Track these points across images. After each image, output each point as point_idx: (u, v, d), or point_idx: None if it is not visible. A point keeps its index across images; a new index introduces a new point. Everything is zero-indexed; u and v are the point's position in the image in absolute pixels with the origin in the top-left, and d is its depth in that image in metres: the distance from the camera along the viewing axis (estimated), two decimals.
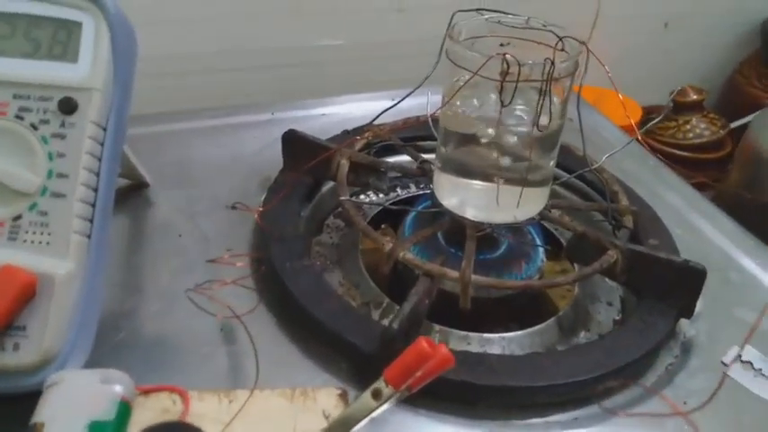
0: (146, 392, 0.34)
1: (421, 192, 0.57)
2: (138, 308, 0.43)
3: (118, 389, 0.32)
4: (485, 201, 0.45)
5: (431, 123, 0.53)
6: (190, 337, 0.42)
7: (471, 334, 0.44)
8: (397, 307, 0.45)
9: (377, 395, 0.31)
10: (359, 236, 0.51)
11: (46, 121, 0.37)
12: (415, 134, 0.55)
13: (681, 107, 0.83)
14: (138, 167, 0.52)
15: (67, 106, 0.37)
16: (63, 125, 0.37)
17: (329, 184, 0.55)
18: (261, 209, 0.48)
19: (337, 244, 0.52)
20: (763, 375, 0.42)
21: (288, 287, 0.43)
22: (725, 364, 0.43)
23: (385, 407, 0.31)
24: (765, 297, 0.48)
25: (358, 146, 0.51)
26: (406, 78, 0.58)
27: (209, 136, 0.60)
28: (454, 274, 0.41)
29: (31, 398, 0.35)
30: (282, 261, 0.44)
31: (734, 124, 0.82)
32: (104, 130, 0.39)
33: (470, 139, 0.44)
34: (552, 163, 0.45)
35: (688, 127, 0.81)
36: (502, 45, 0.45)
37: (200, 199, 0.53)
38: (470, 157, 0.44)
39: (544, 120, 0.41)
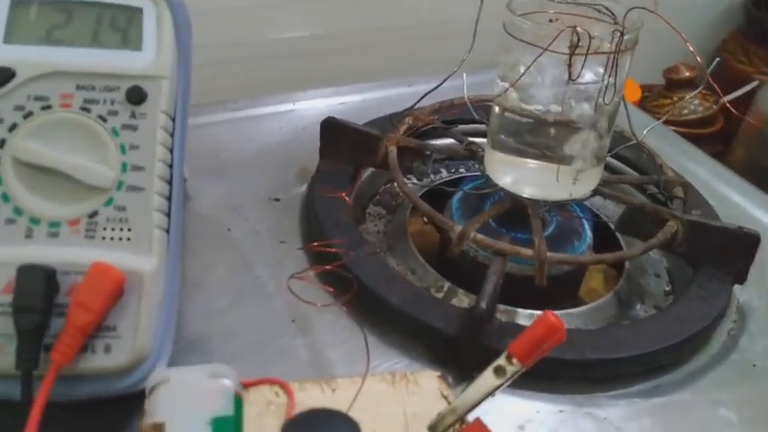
0: (246, 386, 0.33)
1: (457, 176, 0.57)
2: (202, 303, 0.42)
3: (228, 383, 0.31)
4: (542, 179, 0.46)
5: (470, 105, 0.53)
6: (261, 331, 0.41)
7: (536, 312, 0.45)
8: (460, 290, 0.46)
9: (500, 372, 0.31)
10: (406, 221, 0.51)
11: (114, 113, 0.36)
12: (453, 117, 0.55)
13: (674, 84, 0.85)
14: None
15: (137, 96, 0.36)
16: (133, 116, 0.36)
17: (367, 172, 0.54)
18: (344, 195, 0.47)
19: (384, 231, 0.52)
20: None
21: (359, 277, 0.42)
22: None
23: (506, 385, 0.31)
24: None
25: (401, 130, 0.51)
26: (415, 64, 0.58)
27: (235, 128, 0.58)
28: (528, 251, 0.41)
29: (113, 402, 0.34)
30: (347, 252, 0.43)
31: (725, 99, 0.84)
32: (173, 119, 0.37)
33: (529, 117, 0.44)
34: (608, 140, 0.45)
35: (683, 103, 0.84)
36: (551, 21, 0.45)
37: (239, 192, 0.51)
38: (528, 136, 0.45)
39: (609, 94, 0.41)
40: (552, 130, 0.44)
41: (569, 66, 0.40)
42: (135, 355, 0.33)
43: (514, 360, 0.30)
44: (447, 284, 0.46)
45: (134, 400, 0.33)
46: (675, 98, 0.83)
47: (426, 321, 0.40)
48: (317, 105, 0.63)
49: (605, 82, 0.40)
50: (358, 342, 0.40)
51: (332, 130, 0.51)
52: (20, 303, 0.31)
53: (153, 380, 0.31)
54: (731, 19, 0.94)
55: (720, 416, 0.39)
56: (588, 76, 0.41)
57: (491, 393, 0.31)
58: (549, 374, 0.39)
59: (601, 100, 0.41)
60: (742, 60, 0.86)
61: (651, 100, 0.84)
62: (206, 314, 0.41)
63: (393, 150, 0.49)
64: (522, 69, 0.42)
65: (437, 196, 0.53)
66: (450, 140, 0.54)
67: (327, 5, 0.74)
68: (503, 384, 0.31)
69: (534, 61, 0.40)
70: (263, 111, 0.61)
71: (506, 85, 0.44)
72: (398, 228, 0.51)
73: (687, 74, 0.84)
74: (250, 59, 0.72)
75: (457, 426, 0.31)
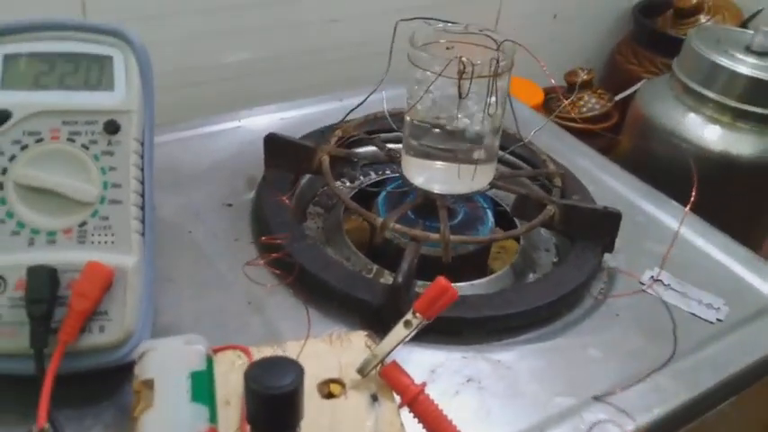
0: (215, 351, 0.42)
1: (383, 177, 0.67)
2: (172, 295, 0.51)
3: (201, 347, 0.40)
4: (447, 177, 0.56)
5: (389, 118, 0.63)
6: (223, 313, 0.50)
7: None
8: (386, 271, 0.56)
9: (408, 325, 0.41)
10: (341, 218, 0.61)
11: (94, 142, 0.45)
12: (373, 128, 0.65)
13: (573, 86, 0.97)
14: None
15: (112, 127, 0.45)
16: (110, 143, 0.45)
17: (305, 178, 0.64)
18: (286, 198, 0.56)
19: (322, 227, 0.62)
20: (672, 289, 0.55)
21: (302, 263, 0.51)
22: (642, 284, 0.56)
23: (412, 334, 0.41)
24: (666, 232, 0.61)
25: (332, 142, 0.60)
26: (339, 81, 0.67)
27: (188, 145, 0.67)
28: (436, 236, 0.52)
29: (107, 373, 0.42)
30: (291, 243, 0.53)
31: (618, 97, 0.97)
32: (142, 144, 0.46)
33: (433, 127, 0.54)
34: (497, 142, 0.56)
35: (581, 102, 0.96)
36: (448, 48, 0.56)
37: (197, 200, 0.60)
38: (434, 142, 0.55)
39: (492, 107, 0.52)
40: (452, 137, 0.54)
41: (459, 86, 0.50)
42: (124, 333, 0.42)
43: (418, 314, 0.40)
44: (375, 267, 0.56)
45: (124, 371, 0.42)
46: (575, 98, 0.95)
47: (357, 296, 0.50)
48: (260, 122, 0.72)
49: (488, 99, 0.51)
50: (303, 316, 0.50)
51: (274, 143, 0.60)
52: (31, 296, 0.40)
53: (141, 349, 0.40)
54: (623, 26, 1.07)
55: (589, 354, 0.50)
56: (474, 94, 0.52)
57: (402, 341, 0.41)
58: (454, 330, 0.50)
59: (484, 113, 0.51)
60: (632, 62, 0.99)
61: (555, 101, 0.96)
62: (176, 303, 0.50)
63: (326, 159, 0.59)
64: (424, 89, 0.53)
65: (368, 195, 0.63)
66: (373, 148, 0.64)
67: (266, 31, 0.83)
68: (410, 333, 0.41)
69: (431, 84, 0.50)
70: (213, 128, 0.70)
71: (412, 102, 0.54)
72: (334, 224, 0.61)
73: (584, 76, 0.96)
74: (199, 83, 0.80)
75: (378, 367, 0.41)
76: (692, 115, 0.77)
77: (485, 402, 0.45)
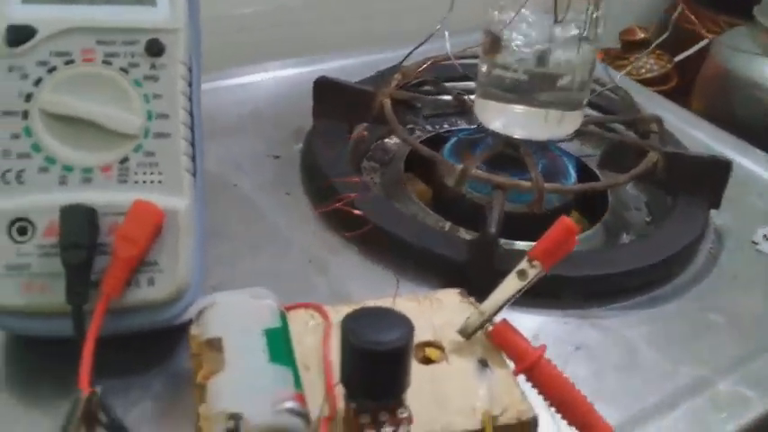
0: (287, 309, 0.35)
1: (443, 131, 0.60)
2: (222, 251, 0.44)
3: (272, 302, 0.33)
4: (530, 121, 0.49)
5: (454, 61, 0.56)
6: (280, 273, 0.43)
7: (533, 243, 0.48)
8: (461, 228, 0.48)
9: (522, 275, 0.33)
10: (401, 172, 0.54)
11: (135, 65, 0.37)
12: (439, 74, 0.57)
13: (630, 46, 0.89)
14: None
15: (156, 48, 0.37)
16: (153, 67, 0.37)
17: (358, 129, 0.57)
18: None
19: (380, 183, 0.54)
20: None
21: (370, 217, 0.44)
22: (755, 243, 0.49)
23: (527, 287, 0.34)
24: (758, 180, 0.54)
25: (392, 85, 0.53)
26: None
27: (225, 95, 0.60)
28: (527, 183, 0.44)
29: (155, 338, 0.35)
30: (357, 196, 0.46)
31: (678, 58, 0.89)
32: (190, 70, 0.39)
33: (516, 67, 0.47)
34: (591, 79, 0.49)
35: (640, 63, 0.88)
36: None
37: (239, 152, 0.53)
38: (516, 83, 0.48)
39: (592, 31, 0.44)
40: (538, 78, 0.47)
41: (555, 6, 0.43)
42: (177, 288, 0.35)
43: (535, 262, 0.33)
44: (448, 224, 0.49)
45: (175, 333, 0.35)
46: (632, 58, 0.87)
47: (438, 251, 0.43)
48: (303, 72, 0.65)
49: (588, 19, 0.44)
50: (373, 276, 0.43)
51: (325, 88, 0.53)
52: (66, 241, 0.33)
53: (200, 304, 0.33)
54: None
55: (711, 320, 0.43)
56: (571, 18, 0.44)
57: (515, 295, 0.34)
58: (553, 292, 0.43)
59: (579, 43, 0.44)
60: (691, 21, 0.92)
61: (609, 62, 0.88)
62: (227, 262, 0.43)
63: (387, 103, 0.51)
64: (510, 16, 0.45)
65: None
66: (438, 96, 0.57)
67: None
68: (525, 286, 0.34)
69: (522, 6, 0.43)
70: (251, 78, 0.63)
71: (499, 27, 0.47)
72: (394, 178, 0.54)
73: (641, 35, 0.89)
74: (241, 29, 0.73)
75: (485, 328, 0.34)
76: None
77: (601, 374, 0.38)
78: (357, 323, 0.28)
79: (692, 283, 0.45)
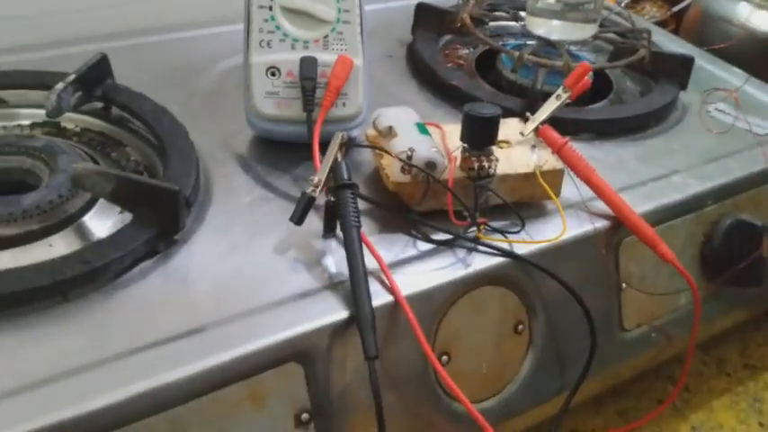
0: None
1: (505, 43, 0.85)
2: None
3: (413, 111, 0.59)
4: (562, 29, 0.74)
5: None
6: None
7: None
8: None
9: (558, 97, 0.59)
10: (473, 66, 0.79)
11: None
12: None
13: None
14: None
15: None
16: None
17: (444, 40, 0.82)
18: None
19: None
20: (723, 112, 0.74)
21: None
22: (708, 111, 0.74)
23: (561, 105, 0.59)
24: (728, 85, 0.79)
25: (470, 5, 0.79)
26: None
27: None
28: (560, 62, 0.70)
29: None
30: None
31: (676, 8, 1.14)
32: None
33: None
34: (602, 3, 0.75)
35: (644, 11, 1.13)
36: None
37: (373, 51, 0.79)
38: (553, 4, 0.73)
39: None
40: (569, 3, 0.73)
41: None
42: (357, 108, 0.61)
43: (567, 88, 0.59)
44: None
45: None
46: (638, 7, 1.12)
47: (504, 103, 0.69)
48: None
49: None
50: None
51: (423, 8, 0.79)
52: (304, 74, 0.59)
53: (374, 114, 0.59)
54: None
55: (673, 148, 0.68)
56: None
57: (554, 111, 0.59)
58: (574, 131, 0.68)
59: None
60: None
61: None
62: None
63: (467, 18, 0.77)
64: None
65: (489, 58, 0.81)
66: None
67: None
68: (560, 104, 0.59)
69: None
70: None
71: None
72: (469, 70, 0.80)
73: None
74: None
75: (536, 129, 0.60)
76: (743, 3, 0.94)
77: (600, 171, 0.64)
78: (472, 106, 0.54)
79: (665, 131, 0.71)
